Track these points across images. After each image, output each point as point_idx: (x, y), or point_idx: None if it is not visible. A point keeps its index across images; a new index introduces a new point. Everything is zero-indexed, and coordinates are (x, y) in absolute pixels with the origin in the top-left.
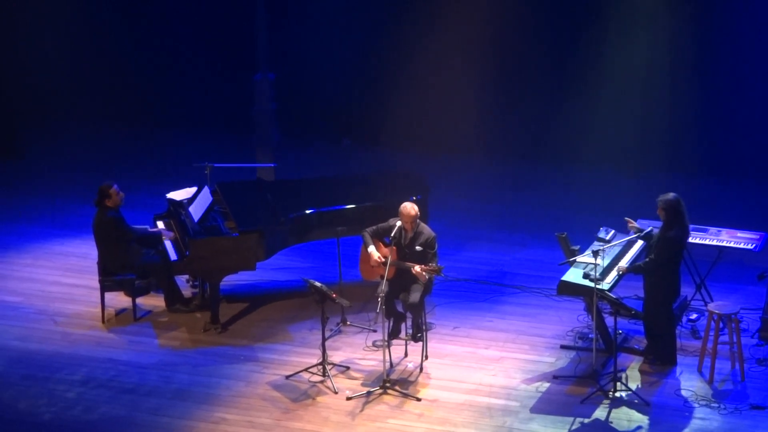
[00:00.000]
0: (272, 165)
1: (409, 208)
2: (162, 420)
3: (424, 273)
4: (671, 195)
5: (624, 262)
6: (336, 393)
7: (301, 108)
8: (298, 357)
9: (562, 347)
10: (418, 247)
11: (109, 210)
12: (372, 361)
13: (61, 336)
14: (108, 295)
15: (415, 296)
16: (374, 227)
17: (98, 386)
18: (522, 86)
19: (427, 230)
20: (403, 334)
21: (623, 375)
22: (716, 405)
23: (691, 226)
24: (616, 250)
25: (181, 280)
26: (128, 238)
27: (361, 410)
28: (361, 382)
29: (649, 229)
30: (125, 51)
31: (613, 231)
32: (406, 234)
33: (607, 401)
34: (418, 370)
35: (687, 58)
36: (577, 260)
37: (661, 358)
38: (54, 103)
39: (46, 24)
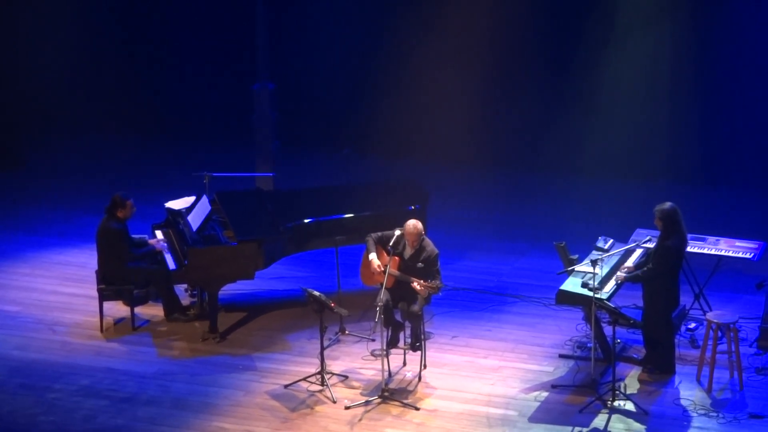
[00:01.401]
0: (271, 174)
1: (412, 226)
2: (160, 429)
3: (423, 290)
4: (668, 205)
5: (622, 272)
6: (334, 402)
7: (300, 117)
8: (297, 366)
9: (561, 356)
10: (420, 264)
11: (116, 221)
12: (371, 370)
13: (59, 345)
14: (107, 305)
15: (416, 306)
16: (379, 234)
17: (97, 395)
18: (521, 95)
19: (430, 247)
20: (401, 344)
21: (622, 384)
22: (715, 414)
23: (690, 235)
24: (615, 259)
25: (180, 289)
26: (125, 257)
27: (360, 419)
28: (359, 391)
29: (647, 238)
30: (125, 60)
31: (611, 240)
32: (407, 248)
33: (606, 410)
34: (417, 379)
35: (686, 66)
36: (576, 269)
37: (659, 367)
38: (53, 112)
39: (46, 34)
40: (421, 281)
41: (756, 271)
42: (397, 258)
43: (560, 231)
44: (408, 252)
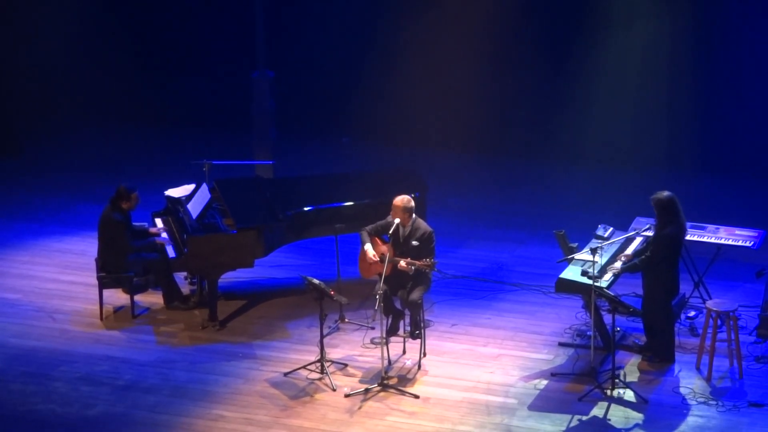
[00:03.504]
0: (270, 162)
1: (398, 199)
2: (160, 417)
3: (408, 267)
4: (665, 193)
5: (619, 263)
6: (334, 390)
7: (299, 105)
8: (297, 354)
9: (561, 345)
10: (414, 242)
11: (119, 212)
12: (370, 358)
13: (59, 333)
14: (106, 293)
15: (415, 294)
16: (373, 225)
17: (96, 383)
18: (520, 83)
19: (423, 225)
20: (401, 332)
21: (621, 372)
22: (714, 402)
23: (689, 224)
24: (615, 247)
25: (180, 277)
26: (124, 249)
27: (359, 407)
28: (359, 379)
29: (647, 226)
30: (123, 48)
31: (611, 228)
32: (403, 229)
33: (605, 399)
34: (417, 367)
35: (685, 54)
36: (576, 258)
37: (659, 355)
38: (52, 100)
39: (44, 22)
40: (408, 259)
41: (756, 260)
42: (392, 245)
43: (560, 219)
44: (404, 233)
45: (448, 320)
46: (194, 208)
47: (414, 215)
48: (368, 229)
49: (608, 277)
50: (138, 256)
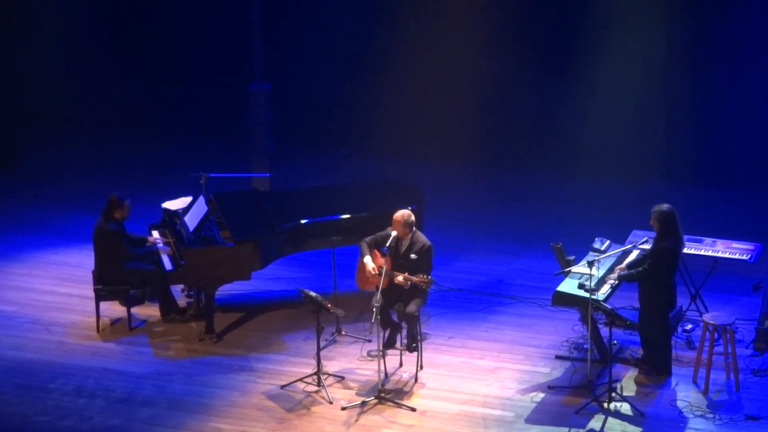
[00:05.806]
0: (268, 175)
1: (398, 214)
2: (156, 430)
3: (405, 281)
4: (665, 206)
5: (616, 272)
6: (331, 403)
7: (296, 117)
8: (293, 367)
9: (558, 357)
10: (413, 256)
11: (113, 221)
12: (367, 371)
13: (56, 345)
14: (103, 305)
15: (412, 306)
16: (373, 236)
17: (93, 396)
18: (517, 95)
19: (422, 239)
20: (398, 345)
21: (618, 385)
22: (711, 416)
23: (686, 237)
24: (612, 260)
25: (177, 289)
26: (123, 257)
27: (356, 420)
28: (355, 392)
29: (644, 239)
30: (120, 60)
31: (608, 241)
32: (402, 242)
33: (602, 411)
34: (413, 380)
35: (683, 67)
36: (573, 271)
37: (656, 368)
38: (49, 112)
39: (39, 33)
40: (405, 274)
41: (752, 273)
42: (390, 258)
43: (557, 232)
44: (403, 247)
45: (445, 333)
46: (191, 220)
47: (414, 228)
48: (368, 240)
49: (605, 290)
50: (136, 267)
